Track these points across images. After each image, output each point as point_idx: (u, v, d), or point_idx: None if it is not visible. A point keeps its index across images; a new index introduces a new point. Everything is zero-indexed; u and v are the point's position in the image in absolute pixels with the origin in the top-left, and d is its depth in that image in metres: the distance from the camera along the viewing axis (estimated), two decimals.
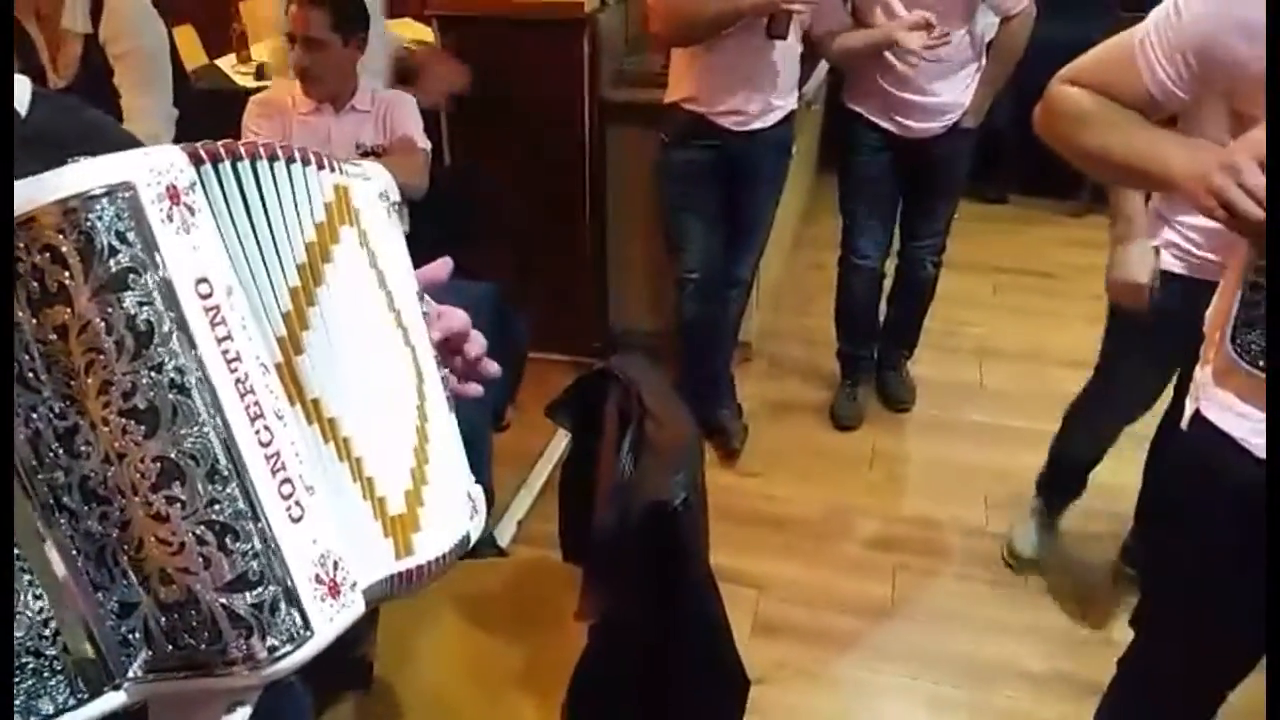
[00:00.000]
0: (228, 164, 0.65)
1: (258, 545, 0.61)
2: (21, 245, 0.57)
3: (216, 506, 0.60)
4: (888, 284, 3.51)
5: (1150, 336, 2.31)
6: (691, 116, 2.92)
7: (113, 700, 0.62)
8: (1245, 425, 1.40)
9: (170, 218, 0.61)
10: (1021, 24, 2.96)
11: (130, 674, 0.62)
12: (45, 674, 0.60)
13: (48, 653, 0.60)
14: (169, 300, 0.60)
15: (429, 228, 2.56)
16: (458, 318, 0.90)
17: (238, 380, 0.62)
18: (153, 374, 0.59)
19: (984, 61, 3.05)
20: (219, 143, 0.66)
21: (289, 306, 0.68)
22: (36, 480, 0.60)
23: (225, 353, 0.62)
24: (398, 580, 0.72)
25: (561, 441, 3.18)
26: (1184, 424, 1.53)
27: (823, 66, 3.57)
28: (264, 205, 0.67)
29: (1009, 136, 4.35)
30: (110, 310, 0.58)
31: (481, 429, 2.66)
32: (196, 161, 0.63)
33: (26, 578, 0.60)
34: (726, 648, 1.50)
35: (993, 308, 4.34)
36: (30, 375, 0.59)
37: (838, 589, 2.83)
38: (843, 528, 3.07)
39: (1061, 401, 2.74)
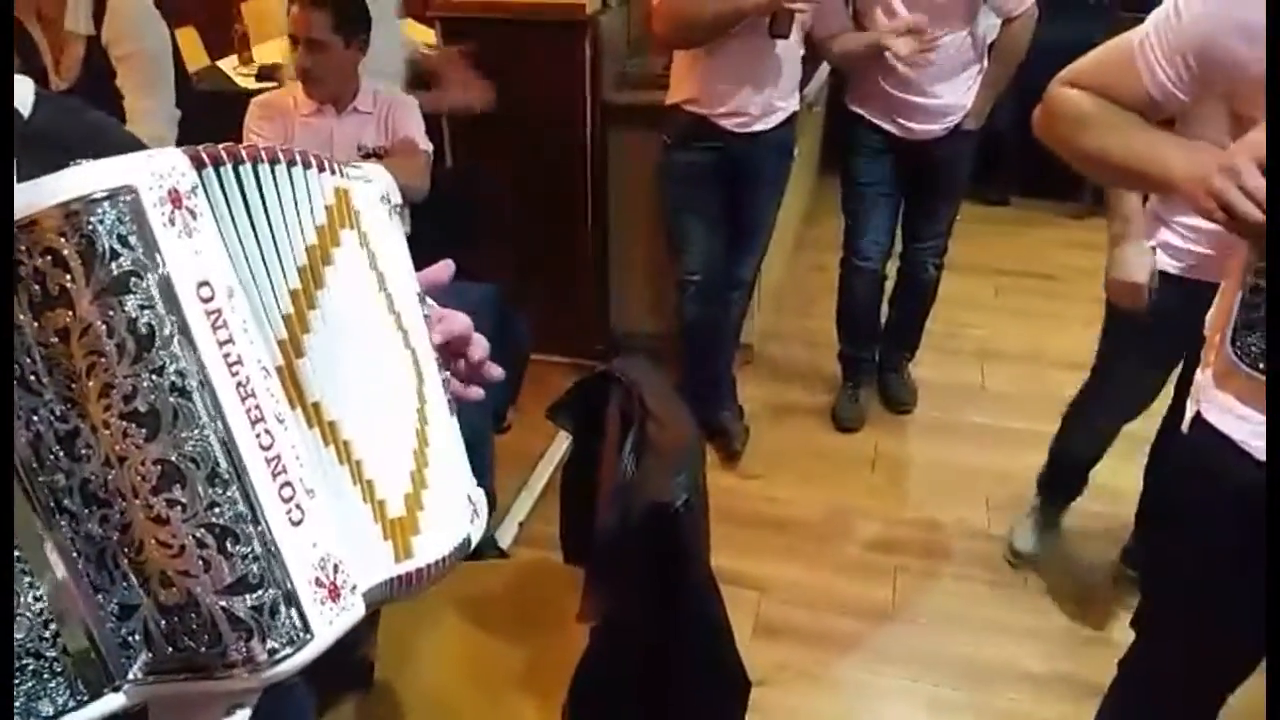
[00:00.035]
0: (229, 167, 0.65)
1: (258, 548, 0.61)
2: (23, 248, 0.58)
3: (217, 509, 0.60)
4: (889, 286, 3.51)
5: (1147, 336, 2.32)
6: (693, 118, 2.92)
7: (112, 702, 0.62)
8: (1245, 428, 1.40)
9: (172, 221, 0.61)
10: (1023, 25, 2.96)
11: (130, 676, 0.62)
12: (45, 675, 0.60)
13: (48, 654, 0.60)
14: (170, 303, 0.60)
15: (430, 229, 2.56)
16: (460, 321, 0.90)
17: (239, 383, 0.62)
18: (154, 377, 0.59)
19: (986, 63, 3.05)
20: (220, 146, 0.66)
21: (290, 309, 0.68)
22: (38, 482, 0.60)
23: (226, 356, 0.62)
24: (397, 583, 0.72)
25: (563, 443, 3.18)
26: (1185, 427, 1.53)
27: (824, 68, 3.58)
28: (265, 208, 0.67)
29: (1010, 138, 4.35)
30: (111, 313, 0.58)
31: (483, 432, 2.66)
32: (198, 165, 0.64)
33: (27, 579, 0.60)
34: (728, 649, 1.50)
35: (994, 310, 4.34)
36: (32, 378, 0.59)
37: (839, 591, 2.82)
38: (844, 529, 3.07)
39: (1063, 403, 2.75)
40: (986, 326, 4.17)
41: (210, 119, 2.74)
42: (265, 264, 0.67)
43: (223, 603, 0.61)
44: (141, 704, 0.63)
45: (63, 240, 0.57)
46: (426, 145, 2.79)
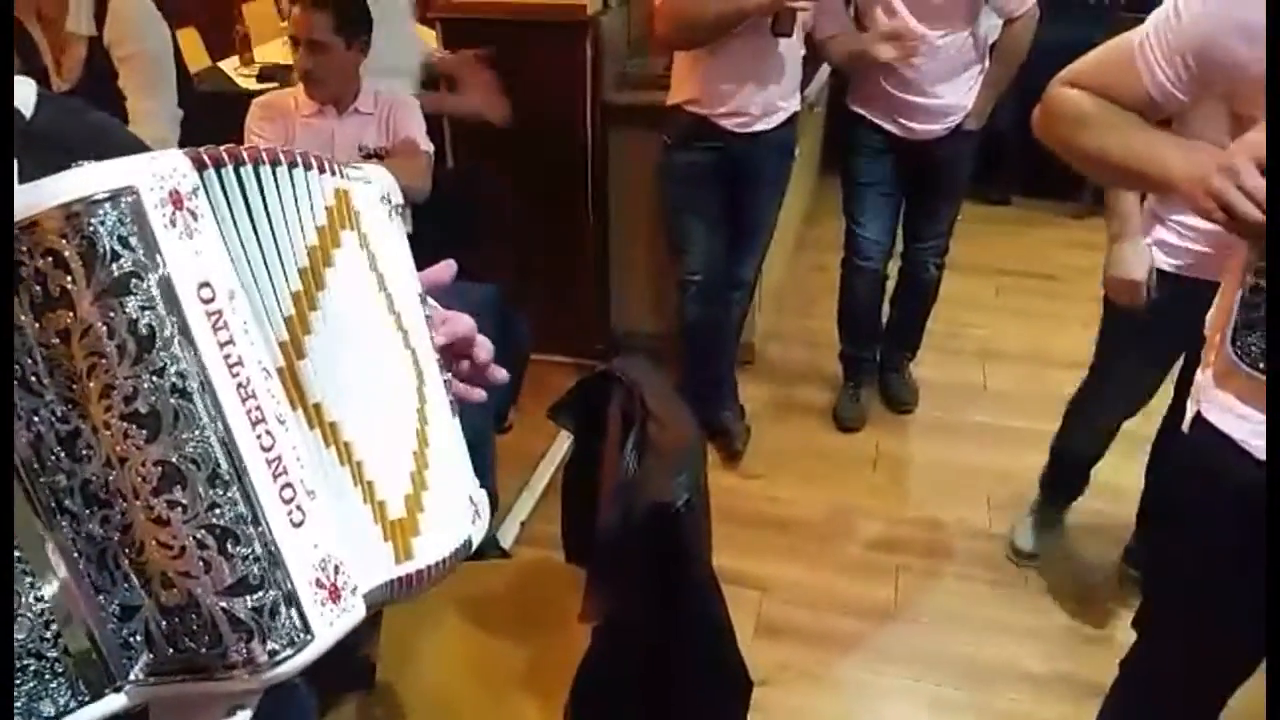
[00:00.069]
0: (230, 169, 0.65)
1: (258, 549, 0.61)
2: (24, 249, 0.58)
3: (217, 511, 0.60)
4: (890, 286, 3.51)
5: (1144, 334, 2.33)
6: (694, 119, 2.92)
7: (113, 703, 0.62)
8: (1245, 427, 1.40)
9: (173, 222, 0.61)
10: (1025, 26, 2.96)
11: (131, 677, 0.62)
12: (46, 676, 0.60)
13: (49, 655, 0.60)
14: (171, 305, 0.60)
15: (431, 229, 2.56)
16: (464, 322, 0.90)
17: (239, 385, 0.62)
18: (154, 378, 0.59)
19: (987, 63, 3.05)
20: (222, 147, 0.66)
21: (291, 311, 0.68)
22: (39, 483, 0.60)
23: (227, 357, 0.62)
24: (398, 585, 0.72)
25: (564, 443, 3.18)
26: (1185, 426, 1.53)
27: (825, 69, 3.58)
28: (266, 210, 0.67)
29: (1012, 138, 4.35)
30: (112, 314, 0.58)
31: (484, 432, 2.66)
32: (199, 166, 0.64)
33: (29, 580, 0.60)
34: (729, 649, 1.50)
35: (995, 309, 4.34)
36: (33, 379, 0.59)
37: (840, 590, 2.83)
38: (845, 529, 3.07)
39: (1064, 402, 2.75)
40: (988, 326, 4.17)
41: (211, 120, 2.74)
42: (266, 265, 0.67)
43: (223, 604, 0.61)
44: (143, 705, 0.63)
45: (64, 241, 0.58)
46: (428, 146, 2.79)
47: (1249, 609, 1.41)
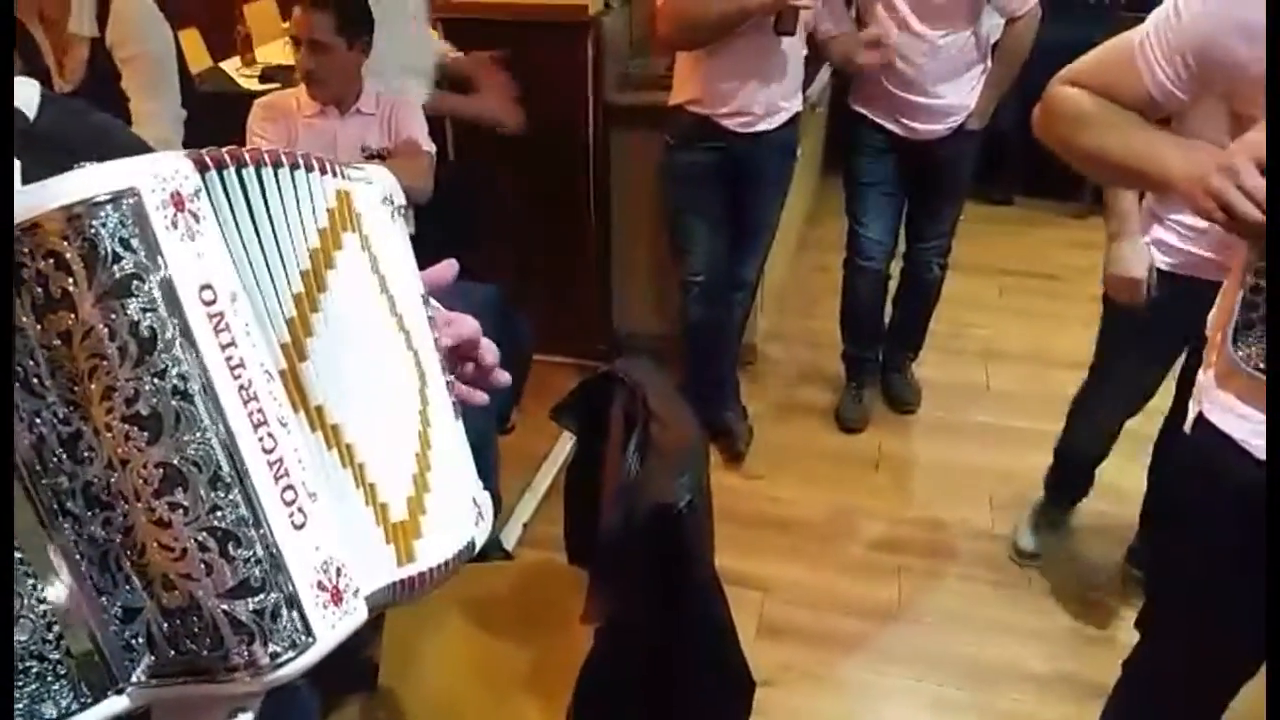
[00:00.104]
0: (232, 170, 0.65)
1: (260, 552, 0.61)
2: (26, 251, 0.58)
3: (219, 513, 0.60)
4: (893, 286, 3.51)
5: (1143, 333, 2.33)
6: (696, 119, 2.92)
7: (116, 705, 0.62)
8: (1246, 427, 1.40)
9: (174, 224, 0.61)
10: (1027, 26, 2.96)
11: (133, 678, 0.62)
12: (49, 678, 0.60)
13: (51, 656, 0.60)
14: (172, 307, 0.60)
15: (434, 229, 2.56)
16: (469, 324, 0.90)
17: (241, 387, 0.62)
18: (156, 380, 0.59)
19: (989, 63, 3.05)
20: (224, 149, 0.66)
21: (293, 313, 0.68)
22: (41, 485, 0.60)
23: (229, 359, 0.62)
24: (400, 587, 0.72)
25: (566, 444, 3.18)
26: (1187, 426, 1.53)
27: (827, 68, 3.58)
28: (268, 211, 0.67)
29: (1014, 138, 4.34)
30: (113, 316, 0.58)
31: (487, 434, 2.66)
32: (201, 168, 0.63)
33: (31, 581, 0.60)
34: (732, 650, 1.50)
35: (998, 309, 4.34)
36: (35, 381, 0.59)
37: (843, 591, 2.83)
38: (848, 529, 3.07)
39: (1067, 402, 2.75)
40: (990, 326, 4.17)
41: (213, 120, 2.74)
42: (268, 267, 0.67)
43: (224, 606, 0.60)
44: (145, 707, 0.63)
45: (65, 243, 0.57)
46: (430, 146, 2.79)
47: (1251, 609, 1.41)
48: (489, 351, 0.91)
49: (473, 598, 1.77)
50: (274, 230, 0.67)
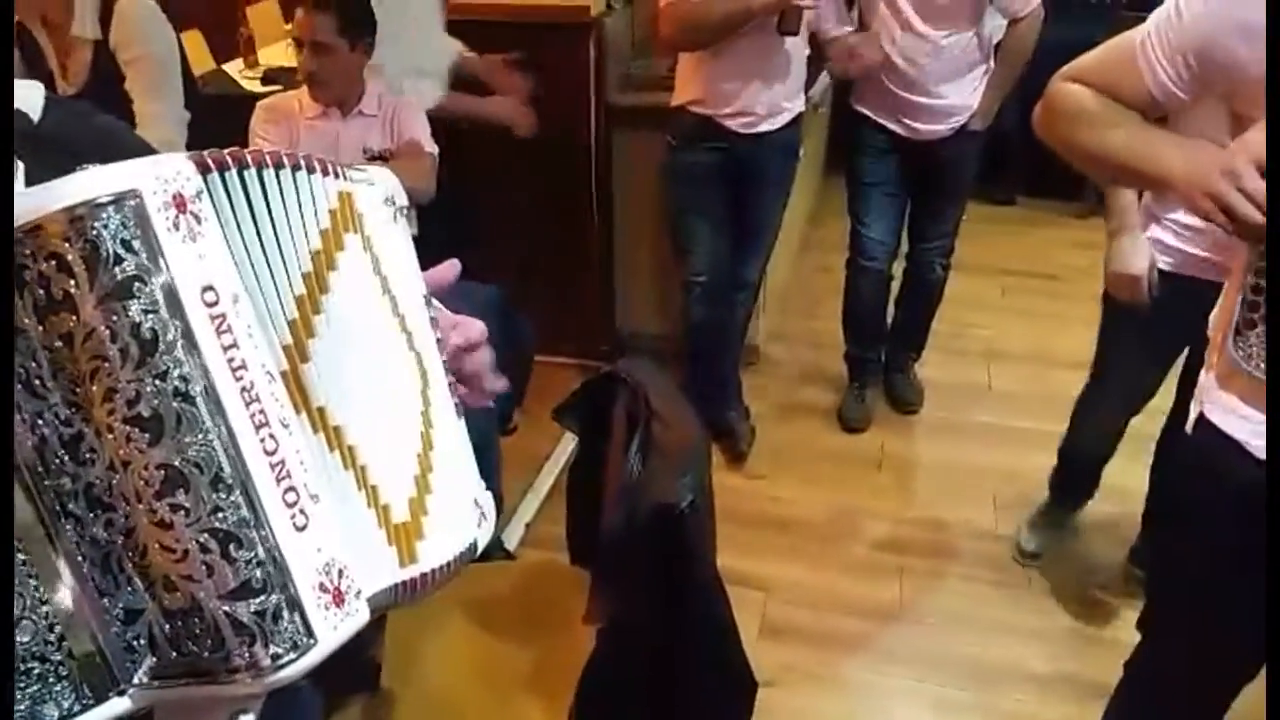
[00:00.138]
0: (234, 172, 0.65)
1: (261, 553, 0.61)
2: (28, 253, 0.58)
3: (220, 514, 0.60)
4: (895, 286, 3.51)
5: (1143, 332, 2.33)
6: (698, 119, 2.92)
7: (117, 706, 0.62)
8: (1247, 427, 1.40)
9: (176, 226, 0.61)
10: (1030, 26, 2.96)
11: (135, 680, 0.62)
12: (51, 679, 0.60)
13: (53, 658, 0.60)
14: (174, 308, 0.60)
15: (435, 230, 2.56)
16: (475, 328, 0.90)
17: (243, 388, 0.62)
18: (157, 382, 0.59)
19: (992, 64, 3.05)
20: (225, 151, 0.66)
21: (295, 314, 0.68)
22: (43, 486, 0.60)
23: (230, 361, 0.62)
24: (401, 589, 0.72)
25: (569, 444, 3.18)
26: (1189, 427, 1.53)
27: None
28: (270, 213, 0.67)
29: (1016, 138, 4.32)
30: (115, 318, 0.58)
31: (489, 434, 2.66)
32: (203, 170, 0.63)
33: (33, 583, 0.60)
34: (734, 650, 1.50)
35: (1001, 310, 4.34)
36: (37, 382, 0.59)
37: (845, 591, 2.82)
38: (850, 530, 3.07)
39: (1070, 403, 2.75)
40: (993, 326, 4.17)
41: (216, 122, 2.74)
42: (270, 269, 0.67)
43: (226, 608, 0.60)
44: (147, 708, 0.63)
45: (67, 245, 0.58)
46: (432, 147, 2.79)
47: (1252, 609, 1.41)
48: (486, 354, 0.91)
49: (475, 598, 1.77)
50: (276, 231, 0.68)
